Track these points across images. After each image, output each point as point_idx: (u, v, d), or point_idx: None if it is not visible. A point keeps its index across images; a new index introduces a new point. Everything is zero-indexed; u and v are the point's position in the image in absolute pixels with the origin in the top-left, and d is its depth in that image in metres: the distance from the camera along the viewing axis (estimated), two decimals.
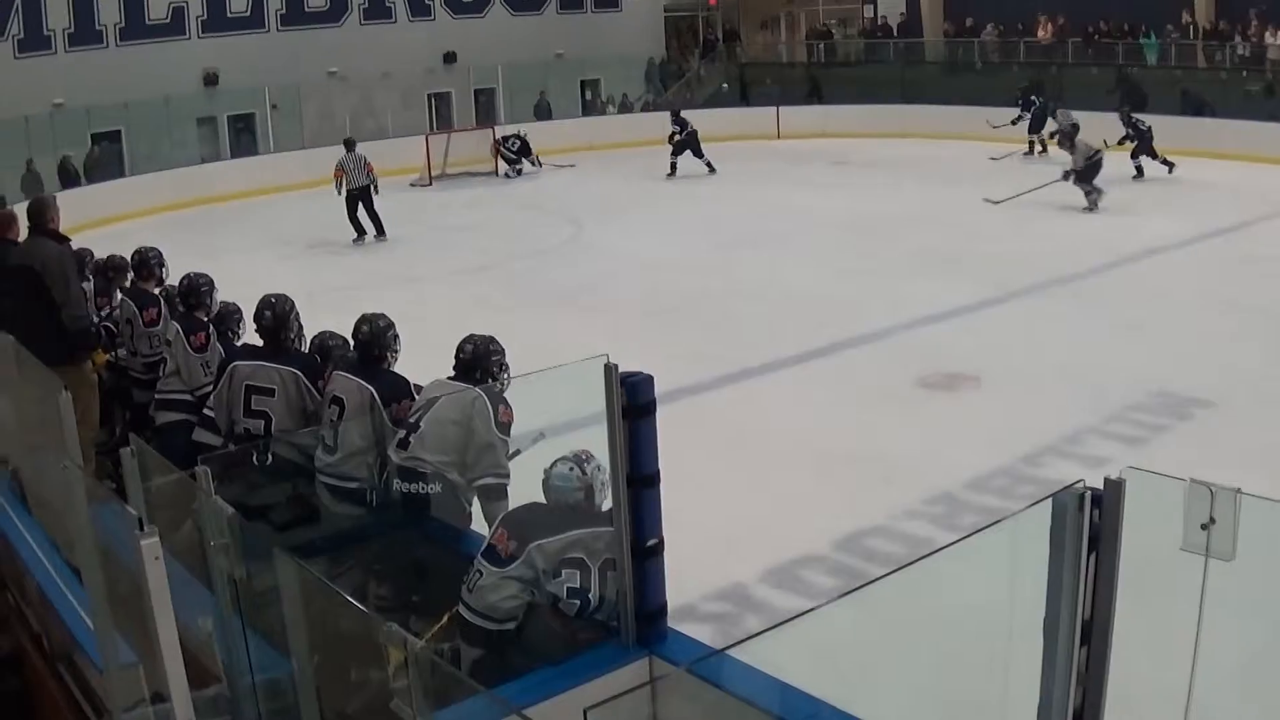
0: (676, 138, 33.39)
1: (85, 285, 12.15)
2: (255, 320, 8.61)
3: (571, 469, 6.14)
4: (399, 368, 8.08)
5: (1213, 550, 3.74)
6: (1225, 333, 15.73)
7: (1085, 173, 24.96)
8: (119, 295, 11.72)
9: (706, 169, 32.75)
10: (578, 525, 5.92)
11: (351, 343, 8.29)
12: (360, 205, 25.89)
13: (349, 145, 26.78)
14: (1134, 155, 28.90)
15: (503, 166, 35.80)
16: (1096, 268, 19.68)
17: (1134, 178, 28.61)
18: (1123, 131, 28.51)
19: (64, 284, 9.98)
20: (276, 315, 8.50)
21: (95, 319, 11.32)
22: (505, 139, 36.15)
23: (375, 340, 7.96)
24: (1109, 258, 20.23)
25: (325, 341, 8.85)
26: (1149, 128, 28.74)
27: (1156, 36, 37.85)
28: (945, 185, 29.16)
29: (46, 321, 9.82)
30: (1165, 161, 28.18)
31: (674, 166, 33.22)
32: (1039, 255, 20.53)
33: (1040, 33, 40.58)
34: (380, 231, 26.02)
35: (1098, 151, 25.18)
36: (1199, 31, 37.74)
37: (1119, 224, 23.22)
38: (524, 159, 35.77)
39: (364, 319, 8.04)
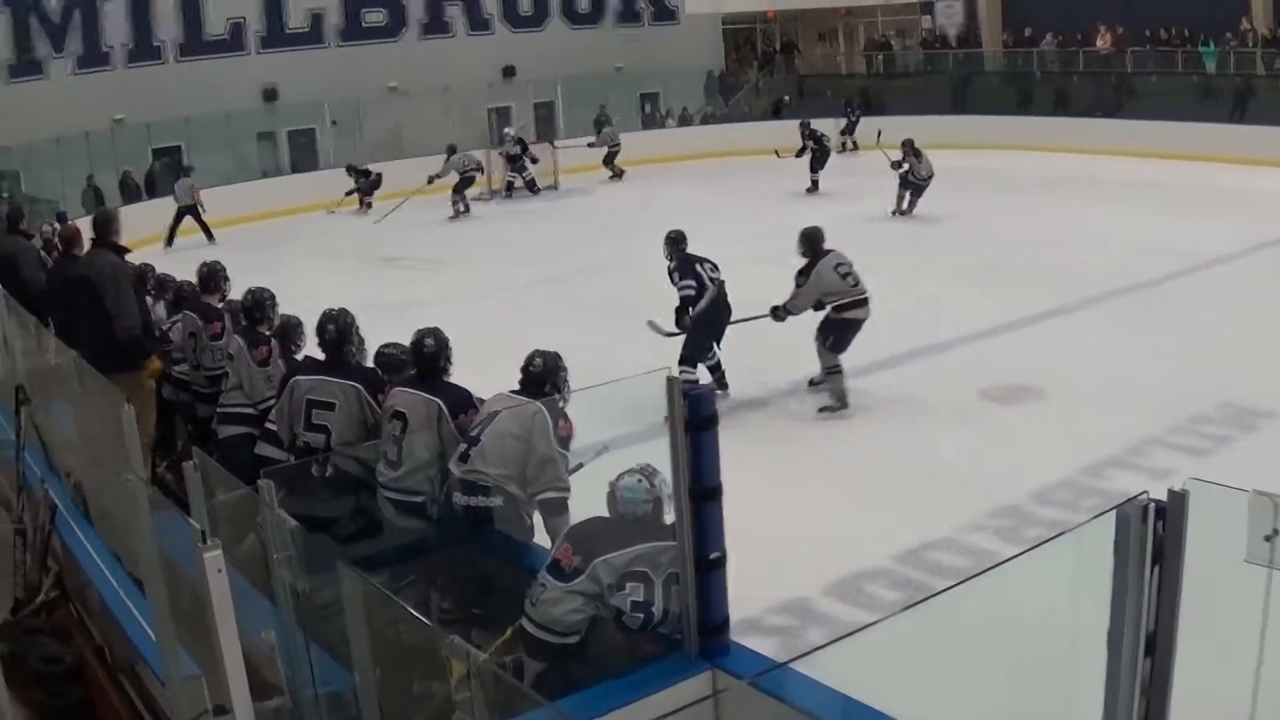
0: (810, 152, 32.99)
1: (163, 300, 12.33)
2: (318, 334, 8.64)
3: (640, 481, 6.14)
4: (458, 381, 8.10)
5: (1276, 562, 3.72)
6: None
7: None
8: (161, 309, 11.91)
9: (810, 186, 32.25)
10: (642, 539, 5.91)
11: (411, 356, 8.32)
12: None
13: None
14: (813, 169, 31.46)
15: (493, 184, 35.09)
16: (1158, 278, 19.51)
17: (808, 190, 31.11)
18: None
19: (116, 295, 10.11)
20: (339, 329, 8.53)
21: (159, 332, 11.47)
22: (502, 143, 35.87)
23: (439, 353, 7.99)
24: (1171, 268, 20.04)
25: (392, 355, 8.87)
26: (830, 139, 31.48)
27: (1215, 44, 37.57)
28: (1004, 196, 29.03)
29: (103, 331, 9.95)
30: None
31: (815, 184, 32.58)
32: (1099, 266, 20.35)
33: (1099, 42, 40.32)
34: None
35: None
36: (1258, 39, 37.46)
37: (1179, 233, 23.00)
38: (524, 158, 35.15)
39: (425, 332, 8.06)
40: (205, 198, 30.56)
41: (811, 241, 14.77)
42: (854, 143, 38.78)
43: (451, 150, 31.75)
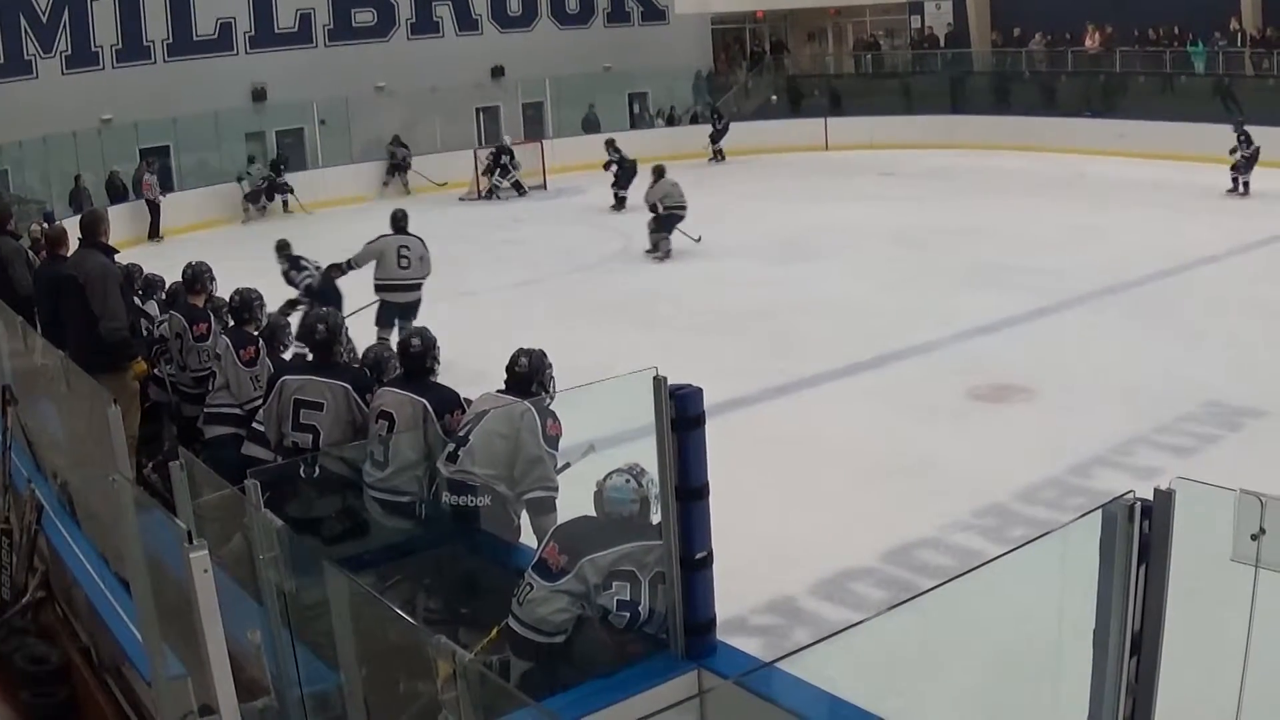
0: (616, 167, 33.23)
1: (155, 299, 12.33)
2: (307, 334, 8.63)
3: (627, 481, 6.12)
4: (447, 381, 8.10)
5: (1263, 561, 3.72)
6: (1277, 342, 15.61)
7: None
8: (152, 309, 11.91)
9: None
10: (629, 539, 5.91)
11: (398, 357, 8.32)
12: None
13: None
14: (616, 185, 31.60)
15: (485, 184, 35.37)
16: (1147, 278, 19.57)
17: (612, 208, 31.14)
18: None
19: (103, 296, 10.09)
20: (329, 329, 8.52)
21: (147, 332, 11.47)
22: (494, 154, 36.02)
23: (426, 353, 7.99)
24: (1158, 267, 20.11)
25: (380, 355, 8.85)
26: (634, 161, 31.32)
27: (1204, 44, 37.62)
28: (993, 196, 29.11)
29: (89, 332, 9.94)
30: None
31: (621, 200, 32.46)
32: (1088, 266, 20.42)
33: (1088, 41, 40.36)
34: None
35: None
36: (1247, 39, 37.51)
37: (1170, 234, 23.07)
38: (510, 168, 35.46)
39: (413, 332, 8.08)
40: (188, 198, 30.86)
41: (395, 222, 17.35)
42: (721, 153, 39.42)
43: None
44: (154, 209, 31.72)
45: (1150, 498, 3.74)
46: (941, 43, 45.68)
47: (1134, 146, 32.02)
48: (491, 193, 34.72)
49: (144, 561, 5.16)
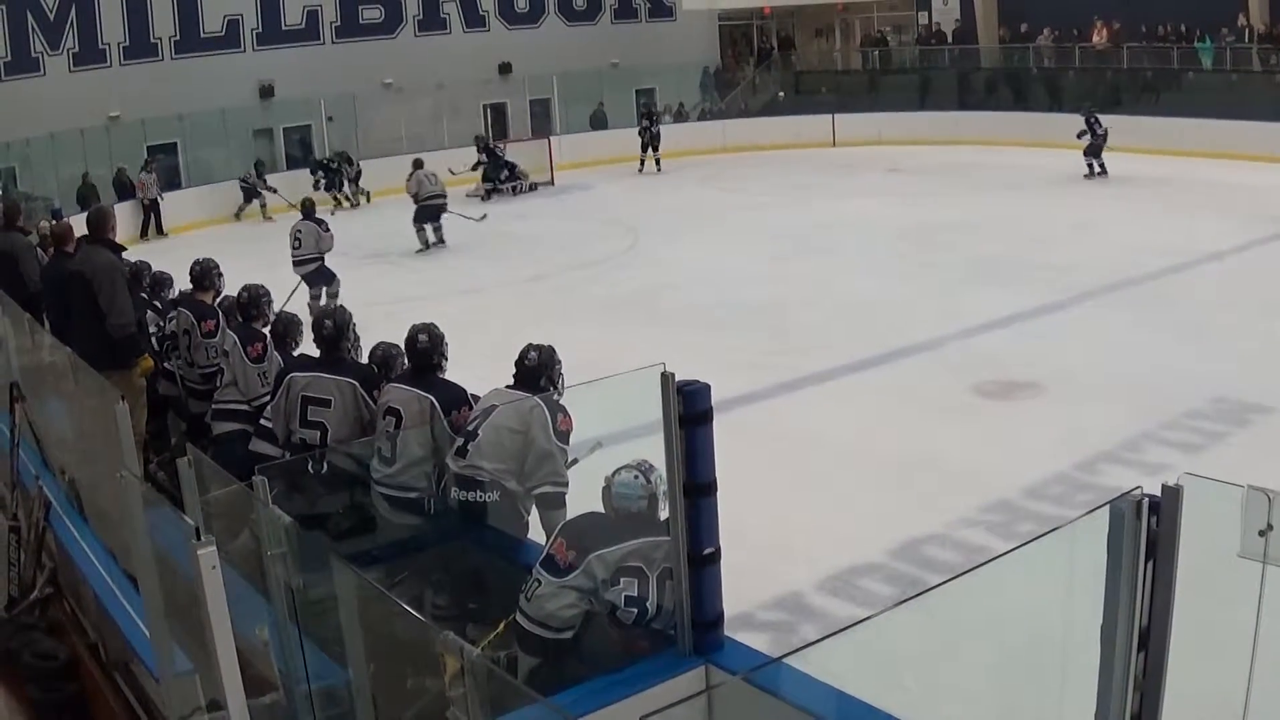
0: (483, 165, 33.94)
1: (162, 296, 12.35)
2: (315, 330, 8.62)
3: (636, 477, 6.12)
4: (455, 377, 8.10)
5: (1270, 557, 3.72)
6: None
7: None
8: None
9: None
10: (637, 535, 5.91)
11: (405, 353, 8.31)
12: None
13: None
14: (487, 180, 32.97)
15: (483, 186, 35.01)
16: (1154, 273, 19.54)
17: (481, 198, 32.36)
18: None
19: (110, 293, 10.11)
20: (337, 325, 8.52)
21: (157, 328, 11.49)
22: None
23: (433, 349, 7.98)
24: (1166, 263, 20.07)
25: (388, 352, 8.84)
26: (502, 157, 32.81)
27: (1211, 40, 37.54)
28: (1001, 191, 29.08)
29: (96, 329, 9.96)
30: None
31: (488, 194, 33.79)
32: (1095, 262, 20.40)
33: (1095, 37, 40.27)
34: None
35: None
36: (1254, 35, 37.44)
37: (1175, 228, 23.04)
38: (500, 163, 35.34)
39: (420, 328, 8.03)
40: (196, 195, 31.04)
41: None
42: (657, 161, 37.85)
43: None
44: (150, 208, 31.85)
45: (1158, 494, 3.73)
46: (949, 39, 45.56)
47: (1142, 142, 31.92)
48: (490, 193, 34.54)
49: (152, 558, 5.17)
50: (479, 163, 34.51)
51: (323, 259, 20.53)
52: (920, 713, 4.83)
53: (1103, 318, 17.32)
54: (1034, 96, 39.18)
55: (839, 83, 45.52)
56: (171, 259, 14.52)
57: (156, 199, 32.05)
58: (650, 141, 37.48)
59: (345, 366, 8.44)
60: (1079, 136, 30.65)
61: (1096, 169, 30.39)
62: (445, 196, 25.88)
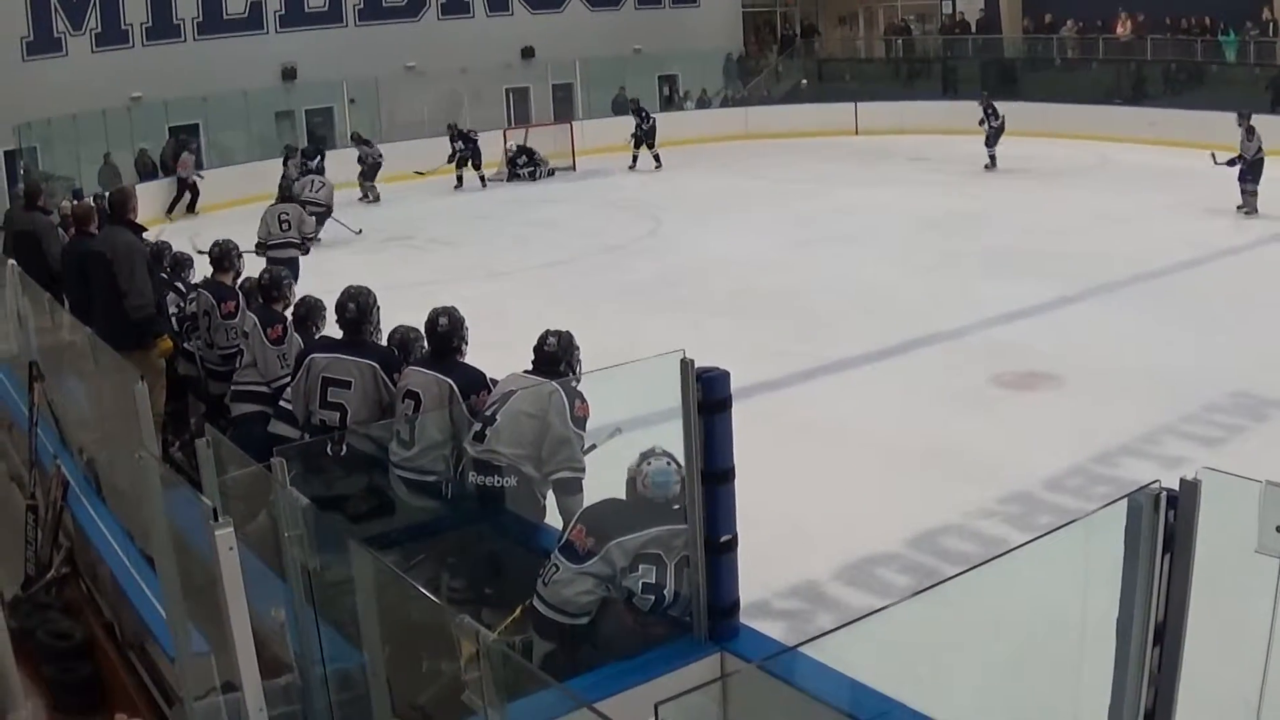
0: (458, 153, 33.75)
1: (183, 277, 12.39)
2: (338, 312, 8.61)
3: (669, 464, 6.10)
4: (474, 361, 8.09)
5: None
6: None
7: None
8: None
9: None
10: (657, 522, 5.91)
11: (424, 336, 8.30)
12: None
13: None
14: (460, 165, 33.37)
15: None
16: (1176, 266, 19.47)
17: (455, 187, 32.99)
18: None
19: (129, 273, 10.15)
20: (360, 308, 8.51)
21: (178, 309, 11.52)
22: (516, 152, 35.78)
23: (453, 332, 7.97)
24: (1189, 256, 20.02)
25: (406, 335, 8.84)
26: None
27: (1235, 33, 37.44)
28: (1023, 181, 29.04)
29: (116, 309, 9.98)
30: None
31: (460, 179, 33.77)
32: (1118, 254, 20.32)
33: (1119, 29, 40.20)
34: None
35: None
36: (1278, 29, 37.32)
37: (1199, 223, 22.99)
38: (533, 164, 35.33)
39: (440, 311, 8.01)
40: (218, 176, 31.14)
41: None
42: (656, 157, 35.88)
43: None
44: (186, 188, 31.99)
45: (1176, 487, 3.73)
46: (973, 28, 45.50)
47: (1164, 135, 31.84)
48: (512, 176, 34.73)
49: (169, 538, 5.18)
50: (455, 152, 33.83)
51: (300, 249, 19.05)
52: (935, 703, 4.82)
53: (1124, 310, 17.25)
54: (1057, 87, 39.06)
55: (862, 71, 45.46)
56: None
57: (195, 180, 32.28)
58: (644, 138, 35.96)
59: (366, 349, 8.43)
60: (980, 124, 31.63)
61: (987, 160, 31.42)
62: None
